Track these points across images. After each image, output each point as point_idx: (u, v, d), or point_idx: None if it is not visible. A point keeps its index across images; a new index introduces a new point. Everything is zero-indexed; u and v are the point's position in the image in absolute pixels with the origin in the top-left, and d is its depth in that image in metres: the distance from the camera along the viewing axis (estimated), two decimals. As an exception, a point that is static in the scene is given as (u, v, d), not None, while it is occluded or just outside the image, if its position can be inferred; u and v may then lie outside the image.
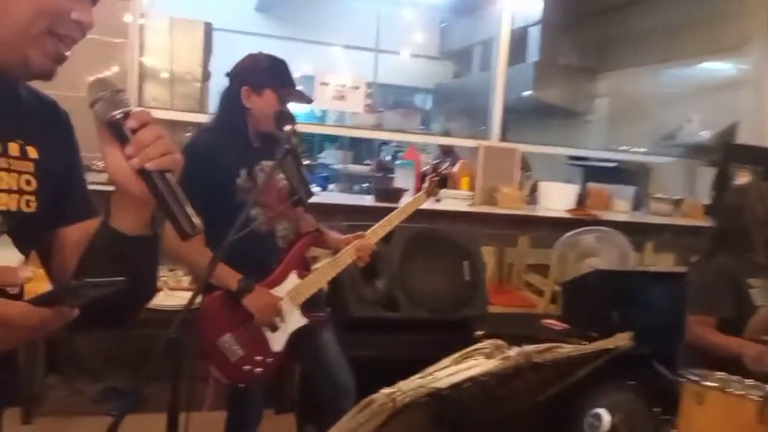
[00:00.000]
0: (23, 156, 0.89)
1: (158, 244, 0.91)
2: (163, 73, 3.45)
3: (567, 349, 1.06)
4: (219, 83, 4.05)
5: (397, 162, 4.51)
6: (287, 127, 1.77)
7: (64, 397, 3.02)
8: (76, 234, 0.93)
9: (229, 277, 1.93)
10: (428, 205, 2.49)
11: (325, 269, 2.14)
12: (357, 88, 3.69)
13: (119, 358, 3.02)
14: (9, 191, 0.86)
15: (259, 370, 1.99)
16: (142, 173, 0.80)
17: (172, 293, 2.86)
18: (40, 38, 0.83)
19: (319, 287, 2.13)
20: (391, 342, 2.55)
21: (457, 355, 0.96)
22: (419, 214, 2.39)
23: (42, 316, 0.66)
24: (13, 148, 0.88)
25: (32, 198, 0.88)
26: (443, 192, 2.92)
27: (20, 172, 0.88)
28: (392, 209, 2.35)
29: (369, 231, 2.20)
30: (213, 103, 3.58)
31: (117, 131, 0.81)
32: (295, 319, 2.04)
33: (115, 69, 3.13)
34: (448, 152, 4.87)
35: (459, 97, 8.04)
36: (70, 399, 3.03)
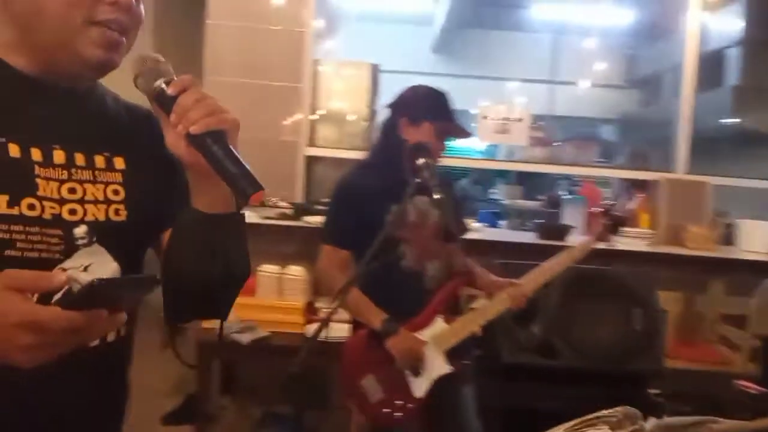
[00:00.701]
0: (109, 167, 0.90)
1: (242, 222, 0.87)
2: (332, 113, 3.62)
3: (726, 426, 0.84)
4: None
5: (566, 197, 4.26)
6: (421, 161, 1.71)
7: (234, 419, 3.22)
8: None
9: (374, 315, 1.90)
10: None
11: (473, 316, 2.04)
12: (520, 120, 3.55)
13: (281, 384, 3.17)
14: (96, 202, 0.87)
15: (399, 414, 1.93)
16: (191, 139, 0.76)
17: (331, 325, 2.93)
18: (84, 30, 0.82)
19: (466, 335, 2.02)
20: (546, 392, 2.35)
21: (575, 422, 0.81)
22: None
23: (71, 319, 0.63)
24: (99, 160, 0.89)
25: (121, 207, 0.89)
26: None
27: (107, 183, 0.89)
28: (556, 247, 2.18)
29: (525, 278, 2.05)
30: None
31: (162, 102, 0.79)
32: (438, 366, 1.95)
33: (298, 115, 3.35)
34: (635, 186, 4.47)
35: (647, 126, 7.48)
36: (240, 421, 3.22)
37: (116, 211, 0.88)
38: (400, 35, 7.62)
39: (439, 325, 1.97)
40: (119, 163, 0.91)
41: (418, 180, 1.68)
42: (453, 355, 1.97)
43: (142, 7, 0.88)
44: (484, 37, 7.80)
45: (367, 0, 6.16)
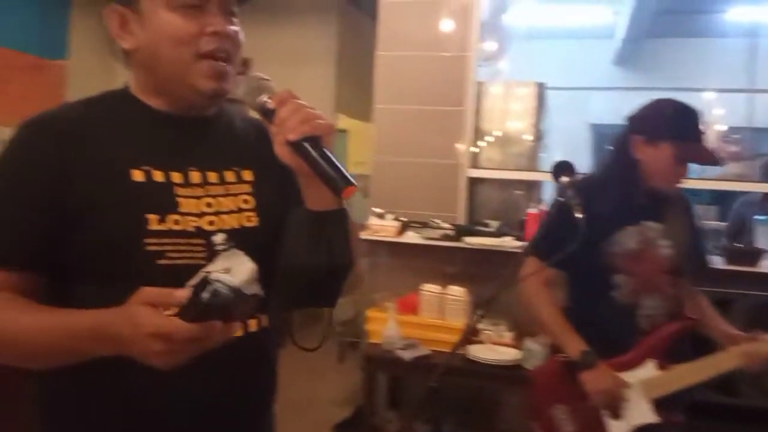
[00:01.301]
0: (239, 180, 1.03)
1: (344, 217, 0.96)
2: (496, 134, 3.62)
3: None
4: (552, 141, 4.08)
5: (760, 217, 3.77)
6: (563, 179, 1.58)
7: (397, 432, 3.31)
8: None
9: (572, 344, 1.77)
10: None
11: (696, 368, 1.77)
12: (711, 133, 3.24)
13: (446, 403, 3.20)
14: (230, 212, 1.01)
15: None
16: (291, 146, 0.86)
17: (494, 348, 2.92)
18: (194, 64, 0.94)
19: (682, 385, 1.77)
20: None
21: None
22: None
23: (191, 330, 0.74)
24: (229, 175, 1.03)
25: (252, 214, 1.03)
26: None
27: (238, 195, 1.02)
28: (746, 274, 1.94)
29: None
30: (546, 161, 3.63)
31: (266, 115, 0.89)
32: (642, 413, 1.75)
33: (461, 138, 3.41)
34: None
35: None
36: (404, 436, 3.30)
37: (248, 218, 1.02)
38: (578, 50, 7.36)
39: (650, 369, 1.78)
40: (247, 175, 1.05)
41: (560, 200, 1.57)
42: (664, 405, 1.76)
43: (240, 33, 0.99)
44: (672, 45, 7.24)
45: (542, 17, 6.05)
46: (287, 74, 5.30)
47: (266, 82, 0.93)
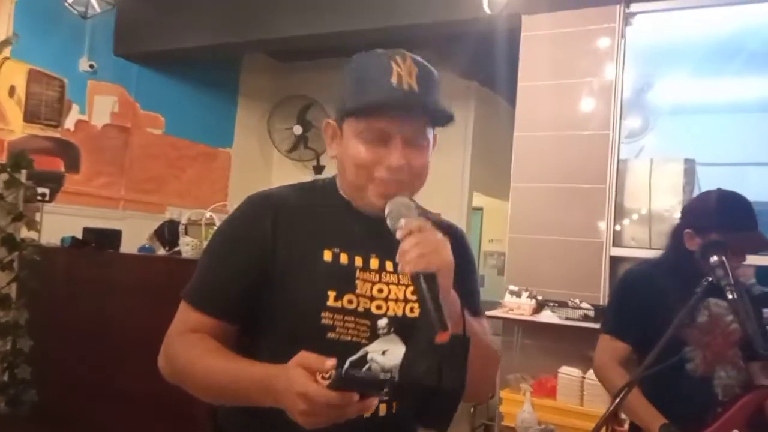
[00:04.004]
0: None
1: (466, 344, 0.96)
2: (641, 211, 3.48)
3: None
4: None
5: None
6: (714, 258, 1.55)
7: None
8: None
9: (651, 419, 1.74)
10: None
11: None
12: None
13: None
14: (396, 300, 1.09)
15: None
16: (410, 277, 0.91)
17: None
18: (368, 184, 1.08)
19: None
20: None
21: None
22: None
23: (329, 396, 0.81)
24: None
25: (416, 305, 1.10)
26: None
27: (407, 285, 1.11)
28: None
29: None
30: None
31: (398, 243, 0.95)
32: None
33: (603, 216, 3.34)
34: None
35: None
36: None
37: (411, 309, 1.11)
38: (734, 124, 6.90)
39: None
40: None
41: (709, 279, 1.54)
42: None
43: (424, 157, 1.09)
44: None
45: (695, 92, 5.81)
46: (427, 156, 5.53)
47: (405, 208, 1.01)
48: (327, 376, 0.81)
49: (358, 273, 1.08)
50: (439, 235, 0.95)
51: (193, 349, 1.05)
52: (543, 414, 2.85)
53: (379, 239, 1.09)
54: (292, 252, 1.08)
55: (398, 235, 0.96)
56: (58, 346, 3.45)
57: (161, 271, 3.25)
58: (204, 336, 1.07)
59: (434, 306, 0.89)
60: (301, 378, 0.84)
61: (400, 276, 1.10)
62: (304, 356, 0.86)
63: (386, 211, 1.02)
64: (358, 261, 1.09)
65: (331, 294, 1.05)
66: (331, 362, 0.83)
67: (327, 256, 1.08)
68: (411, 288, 1.10)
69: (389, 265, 1.11)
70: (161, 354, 1.10)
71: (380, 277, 1.10)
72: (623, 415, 2.38)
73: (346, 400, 0.81)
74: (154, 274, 3.25)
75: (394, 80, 1.03)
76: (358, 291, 1.07)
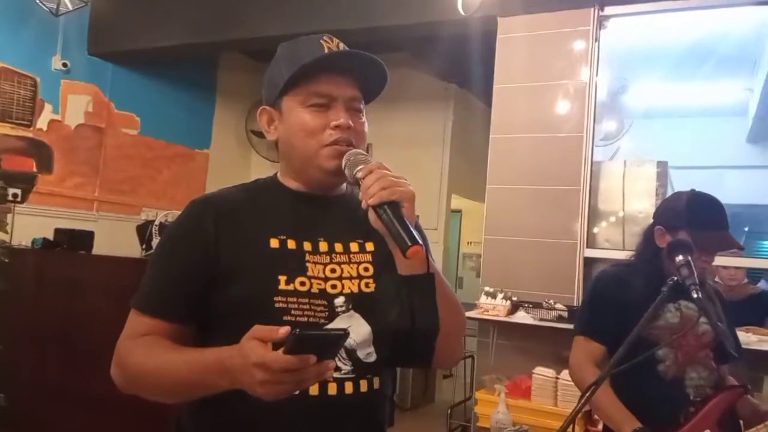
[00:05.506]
0: (362, 250, 1.14)
1: (429, 282, 1.01)
2: (616, 213, 3.51)
3: None
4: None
5: None
6: (679, 258, 1.57)
7: None
8: None
9: (625, 421, 1.75)
10: None
11: None
12: None
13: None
14: (350, 278, 1.11)
15: None
16: (372, 211, 0.94)
17: None
18: (321, 150, 1.10)
19: None
20: None
21: None
22: None
23: (287, 360, 0.81)
24: (354, 246, 1.14)
25: (370, 281, 1.11)
26: None
27: (359, 263, 1.12)
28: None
29: None
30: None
31: (358, 185, 0.99)
32: None
33: (576, 217, 3.36)
34: None
35: None
36: None
37: (366, 284, 1.12)
38: (709, 128, 7.01)
39: None
40: (370, 246, 1.16)
41: (674, 279, 1.56)
42: None
43: (364, 125, 1.14)
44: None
45: (670, 96, 5.88)
46: (405, 157, 5.56)
47: (363, 156, 1.05)
48: (285, 339, 0.81)
49: (307, 257, 1.09)
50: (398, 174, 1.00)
51: (141, 349, 1.05)
52: (517, 415, 2.85)
53: (326, 222, 1.14)
54: (237, 247, 1.09)
55: (359, 175, 0.99)
56: (26, 350, 3.38)
57: (133, 273, 3.19)
58: (154, 336, 1.07)
59: (401, 226, 0.91)
60: (256, 348, 0.84)
61: (352, 255, 1.12)
62: (257, 328, 0.86)
63: (343, 163, 1.05)
64: (307, 245, 1.11)
65: (282, 278, 1.05)
66: (284, 329, 0.83)
67: (274, 243, 1.09)
68: (364, 265, 1.12)
69: (338, 247, 1.12)
70: (113, 364, 1.09)
71: (331, 258, 1.11)
72: (596, 416, 2.41)
73: (303, 362, 0.81)
74: (125, 276, 3.19)
75: (325, 49, 1.11)
76: (309, 273, 1.08)
